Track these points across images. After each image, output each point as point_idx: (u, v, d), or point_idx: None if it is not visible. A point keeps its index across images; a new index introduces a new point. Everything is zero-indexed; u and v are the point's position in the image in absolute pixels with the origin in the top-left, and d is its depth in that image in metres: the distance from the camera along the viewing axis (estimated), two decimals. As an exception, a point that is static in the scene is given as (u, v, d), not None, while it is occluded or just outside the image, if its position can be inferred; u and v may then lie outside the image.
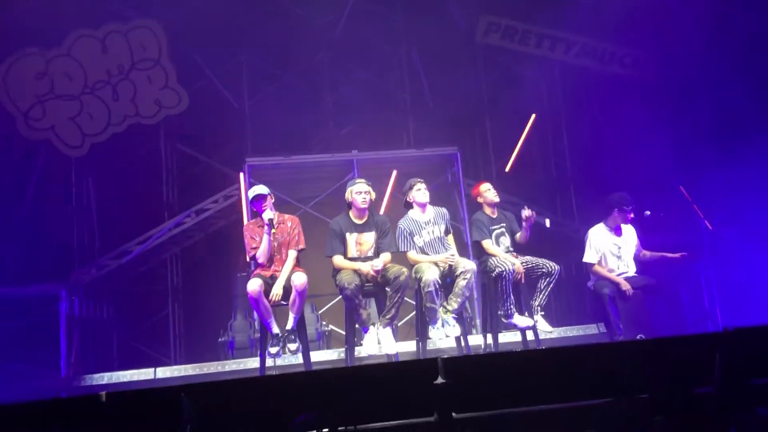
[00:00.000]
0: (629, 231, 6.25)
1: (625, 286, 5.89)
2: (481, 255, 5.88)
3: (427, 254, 5.58)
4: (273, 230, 5.41)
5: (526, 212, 5.76)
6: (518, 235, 5.93)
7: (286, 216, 5.66)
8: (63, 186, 8.42)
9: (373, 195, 5.63)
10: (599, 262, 6.08)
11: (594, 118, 9.75)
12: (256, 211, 5.56)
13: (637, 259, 6.23)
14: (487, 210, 5.97)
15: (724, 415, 2.77)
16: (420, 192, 5.67)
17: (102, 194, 8.59)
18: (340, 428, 2.68)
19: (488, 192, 5.94)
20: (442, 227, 5.68)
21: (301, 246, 5.54)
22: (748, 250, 7.90)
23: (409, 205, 5.75)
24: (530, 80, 9.85)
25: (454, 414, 2.91)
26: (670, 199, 7.36)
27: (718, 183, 8.22)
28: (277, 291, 5.27)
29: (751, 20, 8.70)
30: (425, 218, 5.68)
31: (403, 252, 5.61)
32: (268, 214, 5.39)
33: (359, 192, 5.52)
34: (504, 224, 5.94)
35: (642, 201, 6.62)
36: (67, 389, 6.56)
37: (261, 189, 5.54)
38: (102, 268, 8.11)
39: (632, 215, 6.12)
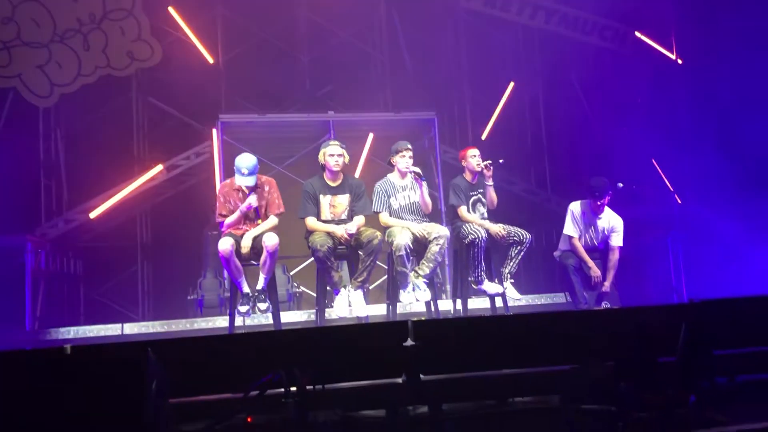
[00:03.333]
0: (611, 218, 6.12)
1: (595, 273, 5.97)
2: (454, 220, 5.88)
3: (401, 218, 5.57)
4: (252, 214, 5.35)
5: (481, 164, 5.80)
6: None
7: (263, 178, 5.54)
8: (30, 137, 8.19)
9: (347, 158, 5.56)
10: (579, 238, 6.11)
11: (571, 88, 9.76)
12: (238, 173, 5.32)
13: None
14: (468, 175, 5.94)
15: (686, 384, 2.84)
16: (403, 159, 5.63)
17: (71, 146, 8.39)
18: (308, 387, 2.68)
19: (473, 159, 5.89)
20: (419, 194, 5.64)
21: (281, 210, 5.48)
22: (715, 224, 8.03)
23: (392, 165, 5.72)
24: (510, 47, 9.79)
25: (422, 376, 2.94)
26: (642, 172, 7.45)
27: (690, 158, 8.32)
28: (245, 243, 5.21)
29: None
30: (403, 183, 5.67)
31: (376, 213, 5.59)
32: (253, 199, 5.29)
33: (332, 155, 5.46)
34: (482, 190, 5.94)
35: (615, 173, 6.66)
36: (31, 343, 6.48)
37: (246, 181, 5.30)
38: (70, 221, 7.98)
39: (604, 205, 6.05)
